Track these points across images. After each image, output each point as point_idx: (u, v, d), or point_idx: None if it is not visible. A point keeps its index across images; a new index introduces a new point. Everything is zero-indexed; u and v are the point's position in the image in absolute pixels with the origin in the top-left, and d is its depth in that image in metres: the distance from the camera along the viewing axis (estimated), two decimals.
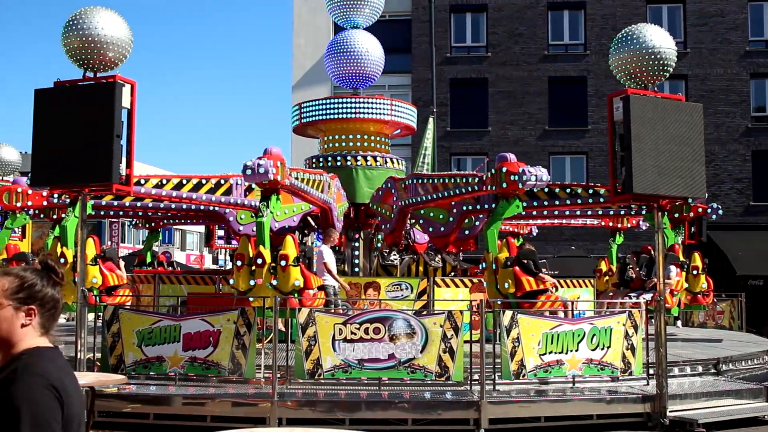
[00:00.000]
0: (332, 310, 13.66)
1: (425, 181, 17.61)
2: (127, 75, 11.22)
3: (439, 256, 19.46)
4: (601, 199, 16.43)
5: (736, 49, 36.35)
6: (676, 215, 19.07)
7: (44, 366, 2.93)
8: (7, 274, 3.06)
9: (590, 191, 16.67)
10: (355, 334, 11.62)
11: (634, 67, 11.94)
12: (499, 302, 13.06)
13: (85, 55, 11.37)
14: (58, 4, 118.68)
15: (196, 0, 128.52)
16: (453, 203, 17.19)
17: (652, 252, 16.93)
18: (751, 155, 35.86)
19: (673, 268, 17.48)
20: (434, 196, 16.90)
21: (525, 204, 15.44)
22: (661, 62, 11.91)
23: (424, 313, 13.09)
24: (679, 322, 23.06)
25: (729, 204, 33.44)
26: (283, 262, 13.43)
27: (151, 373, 11.98)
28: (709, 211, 20.25)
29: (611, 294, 18.67)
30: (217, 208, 17.64)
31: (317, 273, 14.64)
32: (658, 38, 12.02)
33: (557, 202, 16.74)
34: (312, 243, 18.45)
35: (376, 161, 19.23)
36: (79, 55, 11.38)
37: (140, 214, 20.92)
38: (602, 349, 12.38)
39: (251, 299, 13.01)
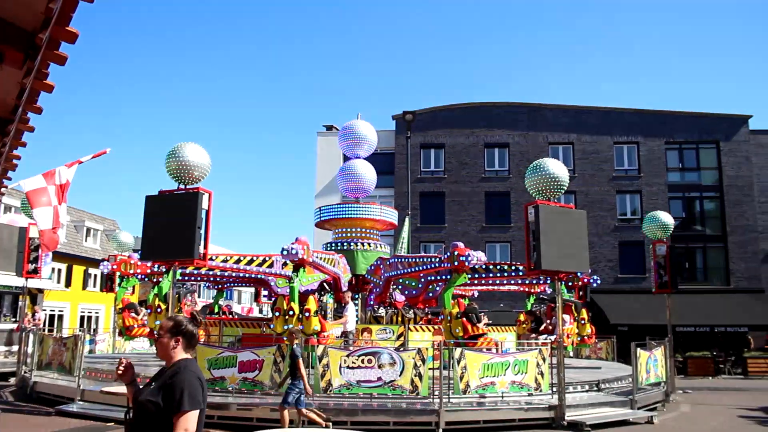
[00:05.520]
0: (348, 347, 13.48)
1: (403, 260, 17.60)
2: (205, 186, 11.35)
3: (412, 311, 19.28)
4: (520, 273, 16.49)
5: (606, 175, 36.83)
6: (570, 283, 19.13)
7: (193, 367, 3.47)
8: (169, 319, 3.60)
9: (513, 267, 16.73)
10: (355, 363, 11.48)
11: (541, 186, 12.10)
12: (452, 342, 12.96)
13: (179, 173, 11.50)
14: (162, 137, 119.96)
15: (250, 137, 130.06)
16: (421, 275, 17.18)
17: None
18: (618, 244, 36.01)
19: (567, 317, 17.39)
20: (409, 270, 16.89)
21: (469, 276, 15.48)
22: (559, 183, 12.08)
23: (402, 349, 12.91)
24: (572, 355, 22.79)
25: (604, 276, 33.40)
26: (307, 314, 13.33)
27: (216, 388, 11.78)
28: (591, 280, 20.33)
29: (528, 336, 18.51)
30: (262, 276, 17.56)
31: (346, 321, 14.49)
32: (556, 167, 12.22)
33: (491, 275, 16.76)
34: (326, 301, 18.28)
35: (370, 246, 19.22)
36: (175, 173, 11.52)
37: (211, 279, 20.78)
38: (522, 374, 12.23)
39: (285, 339, 12.85)
